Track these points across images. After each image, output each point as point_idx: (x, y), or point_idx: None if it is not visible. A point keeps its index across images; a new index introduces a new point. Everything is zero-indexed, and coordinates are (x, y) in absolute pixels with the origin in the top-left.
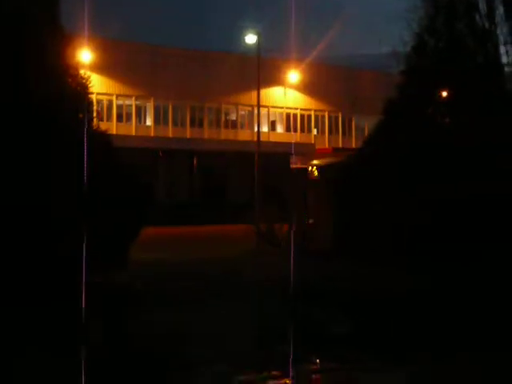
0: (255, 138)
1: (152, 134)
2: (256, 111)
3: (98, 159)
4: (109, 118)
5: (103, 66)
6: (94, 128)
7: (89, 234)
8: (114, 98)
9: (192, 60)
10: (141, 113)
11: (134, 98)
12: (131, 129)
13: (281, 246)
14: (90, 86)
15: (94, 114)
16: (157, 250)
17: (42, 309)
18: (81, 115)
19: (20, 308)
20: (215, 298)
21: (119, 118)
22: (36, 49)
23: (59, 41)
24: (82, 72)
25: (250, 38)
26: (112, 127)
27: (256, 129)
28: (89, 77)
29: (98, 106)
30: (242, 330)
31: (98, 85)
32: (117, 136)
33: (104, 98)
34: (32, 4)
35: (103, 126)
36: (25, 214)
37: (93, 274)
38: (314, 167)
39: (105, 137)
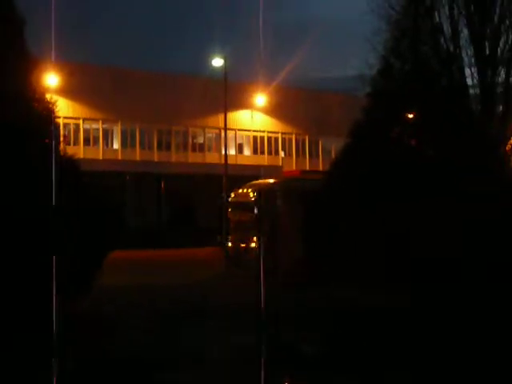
0: (223, 161)
1: (119, 158)
2: (223, 134)
3: (65, 184)
4: (76, 142)
5: (69, 90)
6: (61, 153)
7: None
8: (80, 121)
9: (159, 83)
10: (108, 136)
11: (100, 122)
12: (98, 152)
13: (249, 269)
14: (56, 110)
15: (61, 139)
16: (123, 275)
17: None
18: (47, 140)
19: None
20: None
21: (86, 141)
22: (0, 72)
23: (25, 64)
24: (48, 96)
25: (217, 62)
26: (79, 151)
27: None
28: (55, 101)
29: (65, 130)
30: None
31: (65, 109)
32: (84, 160)
33: (71, 121)
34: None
35: (70, 149)
36: None
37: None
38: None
39: (72, 161)
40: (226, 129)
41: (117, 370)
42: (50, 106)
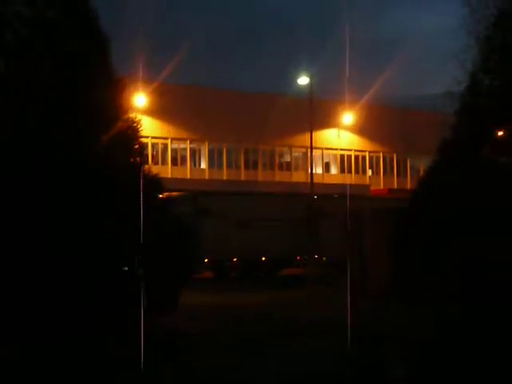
0: (309, 180)
1: (207, 177)
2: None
3: (149, 203)
4: (164, 162)
5: (158, 110)
6: (146, 172)
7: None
8: (168, 141)
9: (246, 102)
10: (195, 156)
11: (188, 142)
12: (186, 172)
13: (335, 288)
14: (140, 129)
15: (149, 158)
16: (210, 294)
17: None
18: (132, 159)
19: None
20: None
21: (174, 161)
22: (87, 91)
23: (110, 84)
24: (133, 115)
25: (303, 80)
26: (167, 170)
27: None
28: (139, 120)
29: (153, 150)
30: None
31: (154, 129)
32: (171, 179)
33: (159, 141)
34: (83, 45)
35: (158, 169)
36: (85, 261)
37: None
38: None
39: (156, 180)
40: (311, 147)
41: None
42: (135, 125)
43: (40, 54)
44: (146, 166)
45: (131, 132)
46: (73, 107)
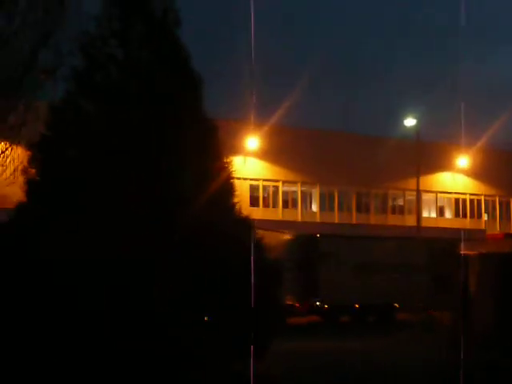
0: (423, 224)
1: (318, 220)
2: (424, 197)
3: (239, 246)
4: (275, 204)
5: (269, 153)
6: (237, 213)
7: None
8: (280, 184)
9: (357, 144)
10: (306, 199)
11: (299, 184)
12: (297, 214)
13: (439, 334)
14: (232, 169)
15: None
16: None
17: None
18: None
19: None
20: None
21: (285, 203)
22: (176, 133)
23: (201, 124)
24: (224, 156)
25: (409, 121)
26: (278, 213)
27: (424, 214)
28: (231, 160)
29: (264, 192)
30: None
31: (265, 171)
32: (283, 222)
33: (270, 184)
34: (174, 86)
35: (270, 212)
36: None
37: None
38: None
39: (248, 221)
40: (418, 190)
41: None
42: (227, 165)
43: (131, 95)
44: (237, 207)
45: (223, 173)
46: (161, 150)
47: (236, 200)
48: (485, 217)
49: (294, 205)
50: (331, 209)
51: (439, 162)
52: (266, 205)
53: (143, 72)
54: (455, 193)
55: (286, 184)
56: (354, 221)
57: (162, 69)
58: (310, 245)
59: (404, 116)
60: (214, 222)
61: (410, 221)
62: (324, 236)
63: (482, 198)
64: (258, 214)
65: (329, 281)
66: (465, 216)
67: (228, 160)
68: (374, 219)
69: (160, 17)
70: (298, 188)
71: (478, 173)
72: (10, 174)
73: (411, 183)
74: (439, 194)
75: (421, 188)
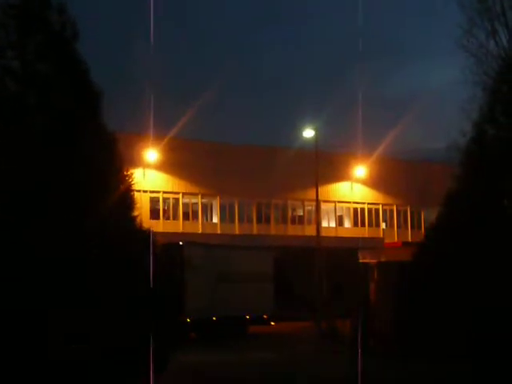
0: (323, 233)
1: (219, 231)
2: (324, 206)
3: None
4: (175, 217)
5: (169, 165)
6: (137, 226)
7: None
8: (180, 196)
9: (257, 157)
10: (207, 210)
11: (199, 196)
12: (198, 226)
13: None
14: (132, 183)
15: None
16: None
17: None
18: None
19: None
20: None
21: (185, 215)
22: (75, 146)
23: (101, 138)
24: (124, 170)
25: (308, 133)
26: (179, 225)
27: (324, 224)
28: (131, 174)
29: (164, 205)
30: None
31: (165, 183)
32: (183, 234)
33: (170, 196)
34: (72, 100)
35: (170, 224)
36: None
37: None
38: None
39: (145, 234)
40: (317, 200)
41: None
42: (127, 179)
43: (29, 108)
44: (138, 220)
45: (123, 186)
46: (56, 163)
47: (136, 213)
48: (383, 225)
49: (195, 217)
50: (232, 220)
51: (338, 172)
52: (166, 217)
53: (40, 85)
54: (354, 202)
55: (186, 196)
56: (254, 231)
57: (60, 81)
58: (174, 253)
59: (303, 127)
60: (108, 234)
61: (310, 230)
62: (187, 243)
63: (380, 206)
64: (158, 226)
65: (193, 292)
66: (363, 225)
67: (128, 173)
68: (274, 230)
69: (58, 30)
70: (198, 200)
71: (376, 182)
72: None
73: (310, 193)
74: (338, 204)
75: (320, 198)
